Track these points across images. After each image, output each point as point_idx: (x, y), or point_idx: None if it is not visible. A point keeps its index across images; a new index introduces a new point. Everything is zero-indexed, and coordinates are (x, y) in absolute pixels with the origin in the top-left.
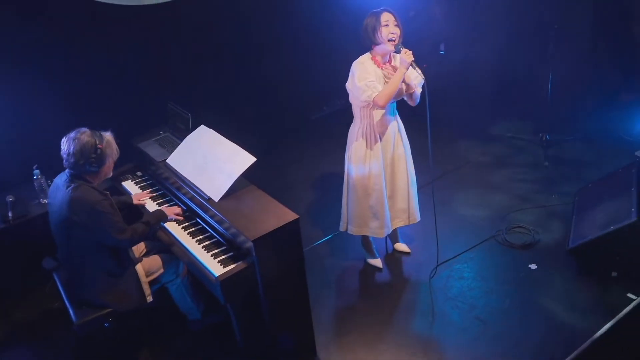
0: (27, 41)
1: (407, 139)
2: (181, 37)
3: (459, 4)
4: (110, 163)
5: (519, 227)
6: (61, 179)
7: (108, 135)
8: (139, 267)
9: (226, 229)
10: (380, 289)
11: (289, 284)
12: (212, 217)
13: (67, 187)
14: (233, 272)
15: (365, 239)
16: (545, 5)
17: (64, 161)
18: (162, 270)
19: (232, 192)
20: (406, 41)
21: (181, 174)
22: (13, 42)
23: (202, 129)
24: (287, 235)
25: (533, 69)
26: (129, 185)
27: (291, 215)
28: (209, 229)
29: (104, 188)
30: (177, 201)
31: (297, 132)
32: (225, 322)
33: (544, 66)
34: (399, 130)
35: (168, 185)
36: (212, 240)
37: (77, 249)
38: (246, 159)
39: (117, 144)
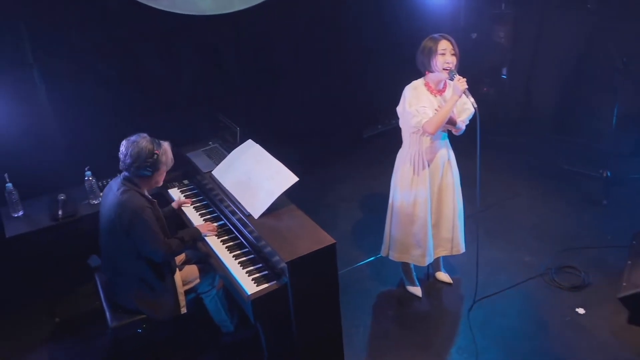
0: (87, 47)
1: (456, 168)
2: (239, 48)
3: (523, 28)
4: (163, 171)
5: (569, 267)
6: (115, 181)
7: (166, 144)
8: (177, 277)
9: (263, 247)
10: (417, 318)
11: (321, 309)
12: (250, 233)
13: (118, 189)
14: (265, 291)
15: (405, 266)
16: (613, 36)
17: (120, 162)
18: (198, 281)
19: (273, 210)
20: (468, 63)
21: (224, 187)
22: (75, 48)
23: (249, 144)
24: (323, 259)
25: (598, 100)
26: (175, 193)
27: (328, 240)
28: (247, 245)
29: (150, 194)
30: (219, 213)
31: (349, 149)
32: (258, 337)
33: (609, 98)
34: (449, 158)
35: (212, 197)
36: (249, 257)
37: (118, 253)
38: (288, 178)
39: (173, 154)
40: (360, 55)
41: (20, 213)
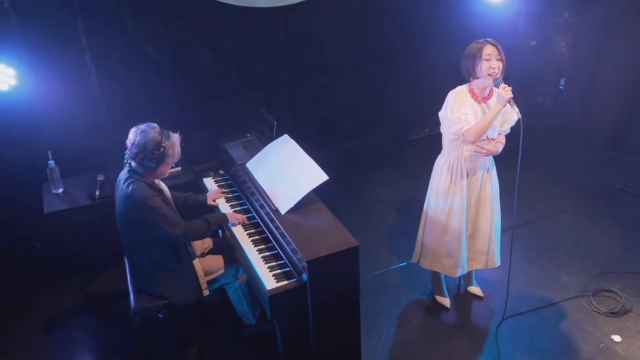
0: (140, 34)
1: (497, 179)
2: (288, 43)
3: (585, 38)
4: (168, 163)
5: (609, 291)
6: (122, 173)
7: (175, 137)
8: (196, 263)
9: (287, 244)
10: (443, 330)
11: (341, 311)
12: (276, 228)
13: (125, 182)
14: (284, 289)
15: (435, 275)
16: None
17: (127, 150)
18: (222, 271)
19: (300, 207)
20: (525, 71)
21: (256, 180)
22: (127, 33)
23: (284, 138)
24: (345, 261)
25: None
26: (209, 182)
27: (352, 242)
28: (273, 240)
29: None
30: (249, 206)
31: (393, 150)
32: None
33: None
34: (489, 169)
35: (244, 189)
36: (273, 252)
37: (135, 242)
38: (318, 176)
39: (182, 147)
40: (412, 56)
41: (60, 190)
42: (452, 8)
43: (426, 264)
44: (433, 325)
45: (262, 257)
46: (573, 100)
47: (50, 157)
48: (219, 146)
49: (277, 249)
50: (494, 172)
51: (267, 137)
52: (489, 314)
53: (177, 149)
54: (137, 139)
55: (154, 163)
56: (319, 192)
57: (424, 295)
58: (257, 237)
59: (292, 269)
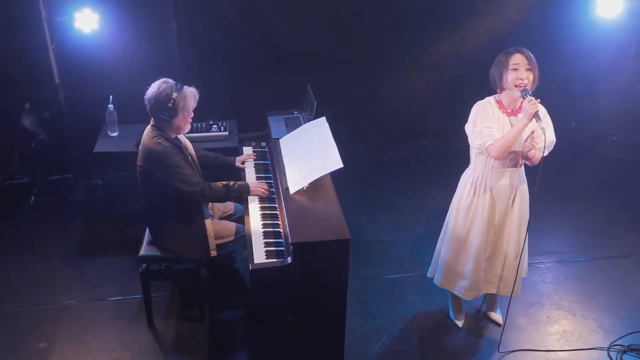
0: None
1: (527, 201)
2: (373, 30)
3: None
4: (183, 117)
5: None
6: (147, 128)
7: (188, 91)
8: (208, 222)
9: (287, 224)
10: (446, 349)
11: (324, 305)
12: (283, 207)
13: (147, 135)
14: (267, 265)
15: (455, 295)
16: None
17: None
18: (232, 239)
19: (313, 190)
20: (630, 98)
21: (282, 156)
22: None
23: (320, 121)
24: (333, 252)
25: None
26: (247, 152)
27: (344, 234)
28: (279, 218)
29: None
30: (272, 181)
31: (462, 157)
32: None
33: None
34: (518, 189)
35: (275, 164)
36: (275, 230)
37: (150, 194)
38: (334, 163)
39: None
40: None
41: (115, 134)
42: (554, 18)
43: (440, 282)
44: (438, 342)
45: (263, 232)
46: None
47: (111, 101)
48: (266, 118)
49: (280, 228)
50: (525, 193)
51: (308, 117)
52: (500, 343)
53: (190, 102)
54: (150, 94)
55: (167, 116)
56: (376, 187)
57: (440, 309)
58: (268, 212)
59: (285, 249)
